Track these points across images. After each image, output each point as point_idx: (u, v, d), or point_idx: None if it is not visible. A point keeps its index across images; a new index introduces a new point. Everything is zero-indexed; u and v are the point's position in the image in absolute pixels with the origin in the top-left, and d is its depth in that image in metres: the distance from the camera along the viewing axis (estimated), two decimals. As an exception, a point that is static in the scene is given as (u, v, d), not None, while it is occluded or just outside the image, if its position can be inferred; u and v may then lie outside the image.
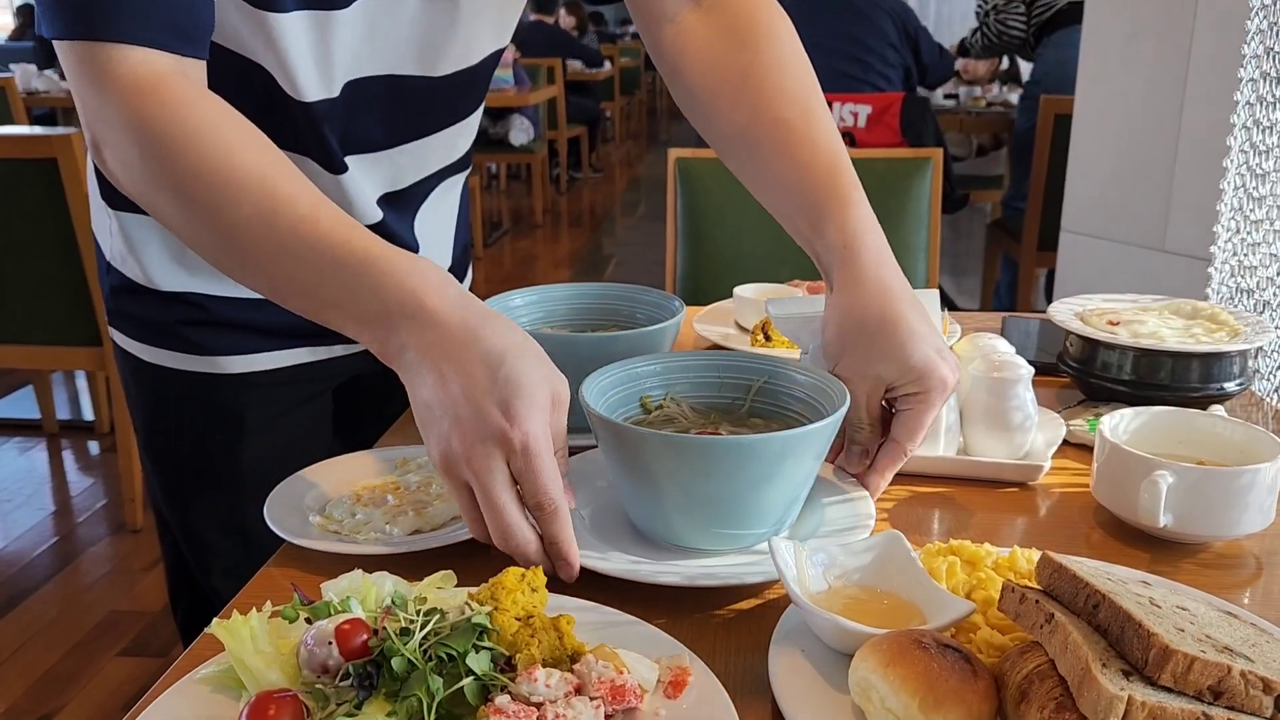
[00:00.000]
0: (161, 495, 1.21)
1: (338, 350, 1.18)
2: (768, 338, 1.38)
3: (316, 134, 1.01)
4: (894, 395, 0.90)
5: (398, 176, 1.12)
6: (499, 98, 5.99)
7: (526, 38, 7.62)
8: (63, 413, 3.82)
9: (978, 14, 4.33)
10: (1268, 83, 1.36)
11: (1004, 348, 1.08)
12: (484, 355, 0.75)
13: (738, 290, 1.49)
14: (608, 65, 9.16)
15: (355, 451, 1.04)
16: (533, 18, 8.13)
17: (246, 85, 0.96)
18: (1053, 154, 3.60)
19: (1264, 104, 1.37)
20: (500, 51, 1.12)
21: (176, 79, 0.82)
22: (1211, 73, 2.42)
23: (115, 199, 1.08)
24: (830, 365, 0.92)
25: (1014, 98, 4.96)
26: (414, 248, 1.16)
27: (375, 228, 1.05)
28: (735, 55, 1.03)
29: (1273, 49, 1.35)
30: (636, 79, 12.51)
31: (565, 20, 9.42)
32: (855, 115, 3.60)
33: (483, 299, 1.12)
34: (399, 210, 1.13)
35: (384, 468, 1.01)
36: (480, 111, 1.19)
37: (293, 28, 0.94)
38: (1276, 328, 1.39)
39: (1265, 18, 1.36)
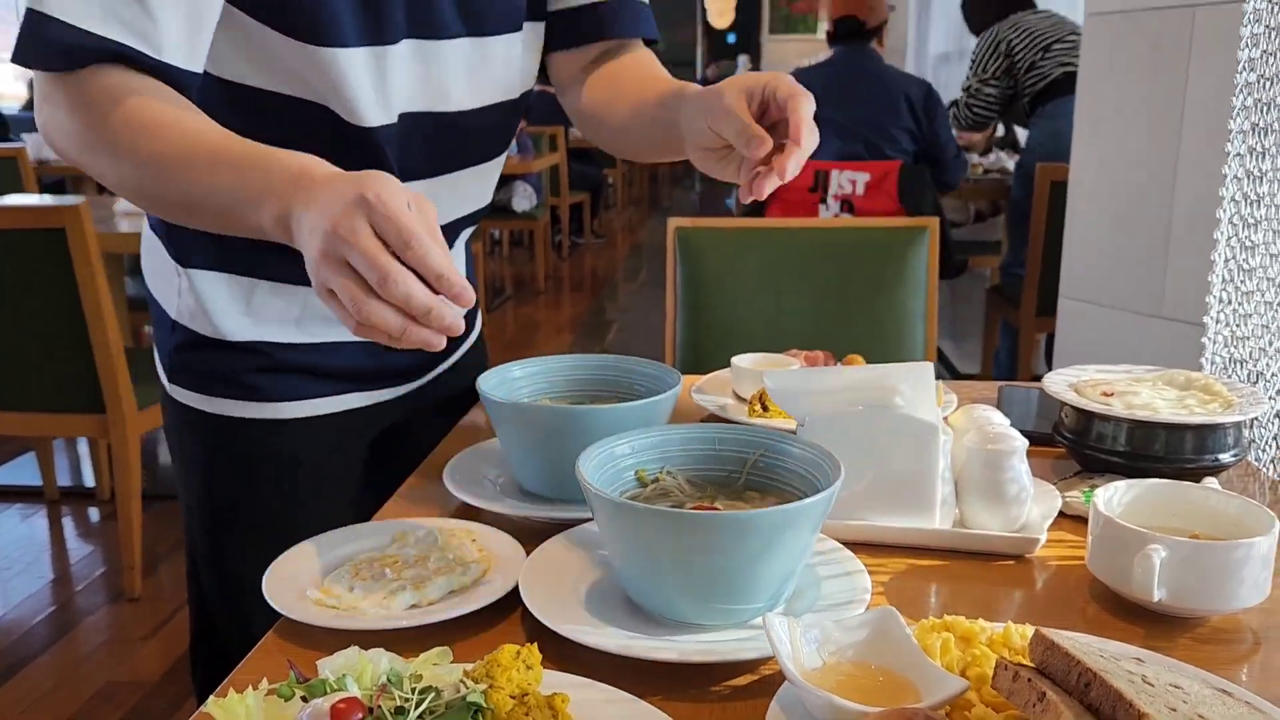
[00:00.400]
0: (205, 546, 1.26)
1: (385, 395, 1.30)
2: (765, 408, 1.38)
3: (378, 156, 1.13)
4: (758, 97, 1.02)
5: (439, 211, 1.19)
6: (502, 165, 6.05)
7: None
8: (64, 479, 3.82)
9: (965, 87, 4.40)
10: (1254, 158, 1.39)
11: (998, 419, 1.09)
12: (349, 177, 0.82)
13: (735, 360, 1.50)
14: (610, 133, 9.26)
15: (356, 524, 1.05)
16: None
17: (312, 125, 1.09)
18: (1050, 221, 3.63)
19: (1251, 178, 1.40)
20: (530, 92, 1.28)
21: (121, 72, 0.96)
22: (1203, 142, 2.45)
23: (186, 257, 1.19)
24: (707, 118, 1.03)
25: (1012, 164, 5.01)
26: None
27: None
28: (614, 59, 1.32)
29: (1257, 125, 1.38)
30: (639, 146, 12.63)
31: (568, 89, 9.56)
32: (854, 183, 3.61)
33: (487, 366, 1.21)
34: None
35: (382, 541, 1.01)
36: (504, 157, 1.32)
37: (355, 62, 1.07)
38: (1270, 398, 1.40)
39: (1249, 94, 1.39)
